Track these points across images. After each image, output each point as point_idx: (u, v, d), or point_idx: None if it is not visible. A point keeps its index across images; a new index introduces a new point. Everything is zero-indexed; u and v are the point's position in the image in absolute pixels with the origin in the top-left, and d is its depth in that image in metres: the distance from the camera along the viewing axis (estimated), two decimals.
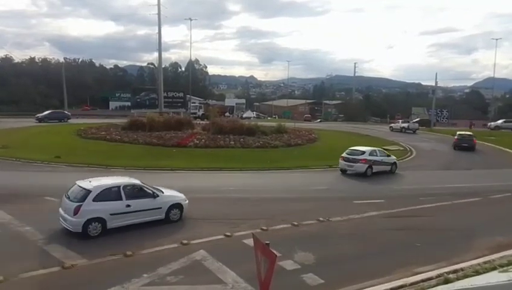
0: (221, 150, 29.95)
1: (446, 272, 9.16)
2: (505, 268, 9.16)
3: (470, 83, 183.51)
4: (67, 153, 25.22)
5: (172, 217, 12.99)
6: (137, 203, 12.15)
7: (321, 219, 13.81)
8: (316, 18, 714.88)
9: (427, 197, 17.71)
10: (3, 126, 38.92)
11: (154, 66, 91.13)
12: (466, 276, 8.79)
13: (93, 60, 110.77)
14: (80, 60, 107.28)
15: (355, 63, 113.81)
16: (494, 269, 9.24)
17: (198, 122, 45.41)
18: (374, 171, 22.70)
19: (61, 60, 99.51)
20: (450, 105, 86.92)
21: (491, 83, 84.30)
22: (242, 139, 33.24)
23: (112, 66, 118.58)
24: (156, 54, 63.58)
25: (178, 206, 13.18)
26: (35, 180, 19.03)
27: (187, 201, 13.56)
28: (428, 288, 8.15)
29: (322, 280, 9.06)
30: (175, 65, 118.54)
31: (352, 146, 24.67)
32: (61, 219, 11.63)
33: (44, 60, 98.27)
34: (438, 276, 8.97)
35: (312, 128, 47.91)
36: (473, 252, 11.17)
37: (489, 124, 60.58)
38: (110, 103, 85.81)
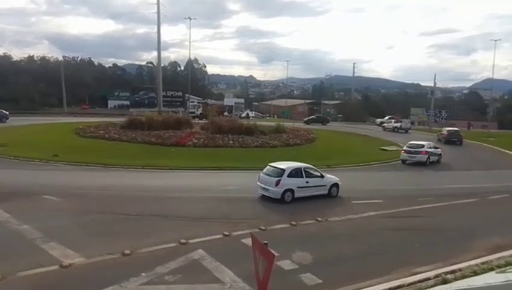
0: (220, 149, 29.95)
1: (444, 273, 9.17)
2: (502, 269, 9.17)
3: (468, 84, 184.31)
4: (65, 152, 25.18)
5: (332, 193, 17.25)
6: (312, 181, 16.70)
7: (319, 219, 13.83)
8: (316, 18, 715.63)
9: (426, 197, 17.74)
10: (2, 124, 38.86)
11: (153, 65, 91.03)
12: (464, 276, 8.80)
13: (92, 59, 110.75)
14: (78, 59, 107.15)
15: (354, 63, 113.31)
16: (491, 269, 9.25)
17: (196, 121, 45.39)
18: (430, 160, 26.93)
19: (60, 58, 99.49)
20: (449, 106, 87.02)
21: (489, 84, 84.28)
22: (241, 139, 33.26)
23: (110, 65, 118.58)
24: (155, 53, 63.43)
25: (336, 185, 17.41)
26: (33, 178, 19.01)
27: (341, 183, 17.49)
28: (426, 288, 8.17)
29: (320, 279, 9.07)
30: (174, 64, 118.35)
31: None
32: (261, 190, 16.42)
33: (43, 59, 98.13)
34: (436, 276, 8.98)
35: (310, 128, 47.92)
36: (471, 252, 11.19)
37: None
38: (109, 101, 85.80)
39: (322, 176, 17.07)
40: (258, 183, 16.61)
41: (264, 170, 16.85)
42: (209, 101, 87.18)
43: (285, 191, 15.84)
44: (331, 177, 17.62)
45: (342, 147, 34.15)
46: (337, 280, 9.07)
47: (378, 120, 62.60)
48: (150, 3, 53.50)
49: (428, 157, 27.45)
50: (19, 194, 15.33)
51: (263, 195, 16.35)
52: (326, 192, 17.06)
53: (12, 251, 10.15)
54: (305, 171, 16.64)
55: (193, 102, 71.91)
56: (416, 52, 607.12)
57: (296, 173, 16.34)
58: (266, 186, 16.17)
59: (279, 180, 15.83)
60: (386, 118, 57.64)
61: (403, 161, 27.94)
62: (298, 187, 16.13)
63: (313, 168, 17.27)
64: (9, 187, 16.30)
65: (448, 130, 40.96)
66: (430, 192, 19.57)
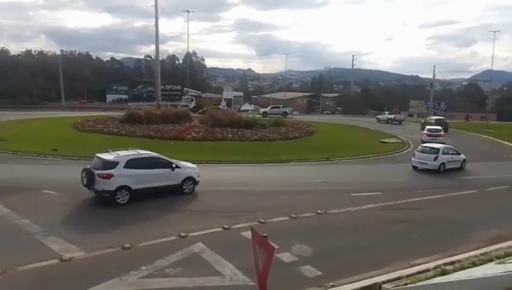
0: (219, 143, 29.93)
1: (443, 264, 9.20)
2: (501, 260, 9.22)
3: (468, 76, 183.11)
4: (64, 146, 25.12)
5: (463, 167, 23.59)
6: (454, 157, 23.21)
7: (319, 211, 13.86)
8: (315, 10, 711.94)
9: (425, 189, 17.78)
10: (0, 119, 38.76)
11: (152, 58, 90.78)
12: (463, 268, 8.83)
13: (90, 53, 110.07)
14: (76, 53, 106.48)
15: (353, 56, 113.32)
16: (490, 260, 9.29)
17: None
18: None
19: (58, 52, 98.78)
20: (448, 98, 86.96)
21: (489, 75, 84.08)
22: (240, 132, 33.24)
23: (108, 59, 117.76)
24: (153, 47, 63.14)
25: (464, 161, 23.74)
26: (32, 173, 19.00)
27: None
28: (425, 280, 8.19)
29: (319, 271, 9.11)
30: (172, 58, 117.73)
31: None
32: (419, 164, 22.62)
33: (41, 53, 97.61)
34: (435, 268, 9.00)
35: (310, 121, 47.90)
36: (470, 244, 11.23)
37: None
38: (107, 95, 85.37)
39: (458, 153, 23.72)
40: (413, 159, 23.08)
41: (419, 149, 23.41)
42: (208, 95, 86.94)
43: (441, 164, 22.03)
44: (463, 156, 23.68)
45: (341, 140, 34.13)
46: (336, 272, 9.11)
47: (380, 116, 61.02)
48: None
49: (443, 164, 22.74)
50: (18, 189, 15.32)
51: (418, 167, 22.62)
52: (459, 166, 23.28)
53: (12, 245, 10.17)
54: (450, 149, 23.41)
55: (186, 95, 70.88)
56: (415, 44, 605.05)
57: (447, 152, 22.90)
58: (425, 161, 22.39)
59: (437, 156, 22.13)
60: (387, 113, 57.57)
61: (424, 141, 28.50)
62: (448, 161, 22.52)
63: (452, 149, 23.75)
64: (8, 182, 16.28)
65: (435, 119, 45.18)
66: (429, 184, 19.60)
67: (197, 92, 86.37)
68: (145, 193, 14.45)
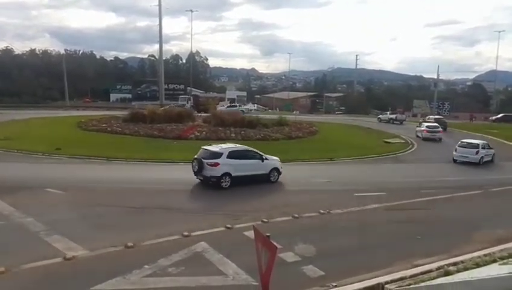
0: (222, 142, 29.88)
1: (446, 265, 9.16)
2: (505, 261, 9.17)
3: (472, 76, 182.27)
4: (68, 145, 25.23)
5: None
6: (488, 151, 25.74)
7: (322, 211, 13.84)
8: (319, 9, 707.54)
9: (428, 189, 17.71)
10: (5, 118, 38.97)
11: (155, 58, 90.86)
12: (466, 268, 8.79)
13: (94, 52, 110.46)
14: (80, 52, 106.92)
15: (356, 56, 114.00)
16: (494, 261, 9.24)
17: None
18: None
19: (62, 51, 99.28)
20: (452, 98, 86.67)
21: (493, 75, 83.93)
22: (243, 132, 33.25)
23: (112, 58, 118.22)
24: (156, 46, 63.54)
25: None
26: (36, 172, 19.07)
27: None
28: (429, 280, 8.16)
29: (322, 271, 9.09)
30: (176, 57, 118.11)
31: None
32: (461, 158, 25.24)
33: (45, 52, 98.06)
34: (438, 268, 8.97)
35: (312, 121, 47.86)
36: (474, 244, 11.19)
37: None
38: (111, 95, 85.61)
39: (490, 148, 26.30)
40: (454, 153, 25.61)
41: (459, 144, 25.82)
42: (210, 94, 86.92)
43: (481, 157, 24.66)
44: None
45: (344, 140, 34.10)
46: (339, 272, 9.09)
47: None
48: None
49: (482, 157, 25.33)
50: (22, 188, 15.38)
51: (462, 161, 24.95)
52: (491, 159, 26.01)
53: (16, 244, 10.22)
54: (485, 144, 25.97)
55: (188, 94, 69.37)
56: (419, 44, 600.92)
57: (484, 147, 25.51)
58: (466, 155, 24.95)
59: (478, 151, 24.80)
60: (388, 113, 57.86)
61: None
62: (485, 155, 25.18)
63: (486, 144, 26.32)
64: (13, 180, 16.35)
65: (434, 118, 47.36)
66: (433, 184, 19.53)
67: (201, 91, 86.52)
68: (241, 180, 16.84)
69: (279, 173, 18.27)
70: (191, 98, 65.42)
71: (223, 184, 16.43)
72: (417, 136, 37.80)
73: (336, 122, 52.57)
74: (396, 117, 54.65)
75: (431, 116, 50.47)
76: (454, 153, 26.16)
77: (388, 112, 58.27)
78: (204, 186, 16.85)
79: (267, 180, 17.75)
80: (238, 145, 18.68)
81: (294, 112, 61.76)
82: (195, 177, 17.11)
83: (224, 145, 17.93)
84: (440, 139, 36.58)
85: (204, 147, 17.74)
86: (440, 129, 37.84)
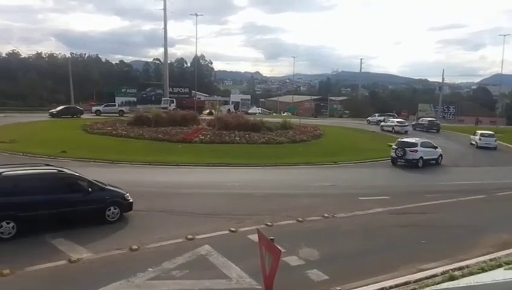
0: (227, 145, 30.00)
1: (451, 269, 9.12)
2: (510, 266, 9.11)
3: (477, 80, 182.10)
4: (73, 148, 25.36)
5: None
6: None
7: (326, 215, 13.80)
8: (323, 13, 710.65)
9: (433, 194, 17.64)
10: (11, 121, 39.23)
11: (160, 61, 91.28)
12: (471, 273, 8.74)
13: (99, 55, 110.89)
14: (86, 55, 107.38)
15: (361, 59, 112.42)
16: (499, 266, 9.18)
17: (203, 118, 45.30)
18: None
19: (68, 55, 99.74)
20: (457, 101, 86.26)
21: (498, 79, 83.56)
22: (247, 135, 33.27)
23: (117, 62, 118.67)
24: (161, 50, 63.56)
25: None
26: None
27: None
28: (433, 285, 8.13)
29: (326, 276, 9.06)
30: (181, 61, 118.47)
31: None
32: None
33: (51, 55, 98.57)
34: (443, 273, 8.94)
35: (317, 124, 47.84)
36: (479, 249, 11.12)
37: None
38: (116, 98, 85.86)
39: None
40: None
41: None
42: (215, 97, 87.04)
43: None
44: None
45: (348, 144, 34.05)
46: (343, 276, 9.06)
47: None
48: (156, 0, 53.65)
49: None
50: None
51: None
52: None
53: (20, 246, 10.25)
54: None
55: (166, 96, 64.68)
56: (424, 48, 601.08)
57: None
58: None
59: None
60: (377, 115, 61.25)
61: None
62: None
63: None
64: None
65: (428, 120, 51.18)
66: (437, 188, 19.46)
67: (205, 95, 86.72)
68: (426, 162, 25.16)
69: (442, 158, 26.26)
70: (174, 100, 62.07)
71: (419, 164, 24.39)
72: (393, 130, 45.29)
73: (340, 126, 52.49)
74: (384, 119, 54.83)
75: (424, 118, 53.90)
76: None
77: (377, 114, 61.76)
78: (209, 189, 16.87)
79: (436, 163, 25.81)
80: (423, 139, 27.69)
81: (283, 114, 61.73)
82: (396, 161, 25.27)
83: (416, 138, 27.04)
84: (406, 132, 44.07)
85: (403, 140, 26.43)
86: (407, 124, 47.13)
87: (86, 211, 11.77)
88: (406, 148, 24.90)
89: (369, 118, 61.24)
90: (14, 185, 10.93)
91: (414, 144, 25.43)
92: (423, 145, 25.72)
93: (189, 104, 58.38)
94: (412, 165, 24.66)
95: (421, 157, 24.86)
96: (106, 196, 12.31)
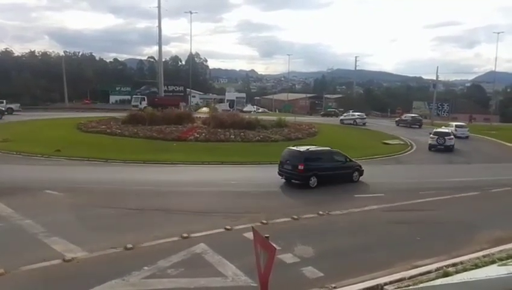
0: (222, 144, 29.97)
1: (445, 266, 9.17)
2: (504, 262, 9.17)
3: (471, 77, 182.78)
4: (67, 147, 25.25)
5: None
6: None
7: (321, 212, 13.83)
8: (318, 11, 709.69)
9: (427, 191, 17.72)
10: (4, 120, 38.96)
11: (154, 59, 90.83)
12: (465, 269, 8.79)
13: (93, 54, 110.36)
14: (80, 54, 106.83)
15: (356, 57, 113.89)
16: (493, 262, 9.24)
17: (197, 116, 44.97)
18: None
19: (61, 53, 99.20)
20: (451, 99, 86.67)
21: (492, 76, 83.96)
22: (242, 133, 33.28)
23: (111, 60, 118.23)
24: (156, 48, 63.18)
25: None
26: (35, 173, 19.09)
27: None
28: (428, 281, 8.16)
29: (321, 273, 9.09)
30: (175, 59, 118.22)
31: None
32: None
33: (45, 54, 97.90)
34: (437, 269, 8.98)
35: (312, 122, 47.93)
36: (473, 245, 11.18)
37: None
38: (110, 96, 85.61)
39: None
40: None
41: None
42: (210, 95, 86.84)
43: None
44: None
45: (344, 141, 34.02)
46: (338, 273, 9.09)
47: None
48: None
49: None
50: (21, 189, 15.38)
51: None
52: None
53: (15, 246, 10.21)
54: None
55: (137, 94, 63.45)
56: (419, 45, 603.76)
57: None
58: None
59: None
60: (350, 111, 62.83)
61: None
62: None
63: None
64: (11, 182, 16.37)
65: (411, 116, 54.91)
66: (431, 185, 19.53)
67: (200, 93, 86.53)
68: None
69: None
70: (145, 97, 59.52)
71: (452, 148, 30.52)
72: (354, 122, 51.56)
73: (335, 123, 52.64)
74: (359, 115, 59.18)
75: (407, 115, 57.57)
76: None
77: (351, 111, 63.81)
78: (204, 187, 16.87)
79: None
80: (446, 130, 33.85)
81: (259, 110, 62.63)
82: (434, 148, 30.86)
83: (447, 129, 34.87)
84: (364, 124, 50.74)
85: (437, 130, 33.02)
86: (365, 117, 55.06)
87: (344, 173, 18.90)
88: (445, 137, 31.15)
89: (345, 114, 61.02)
90: (315, 157, 18.43)
91: (449, 134, 32.41)
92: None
93: (162, 101, 55.54)
94: (449, 150, 30.63)
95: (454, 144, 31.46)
96: (353, 165, 19.63)
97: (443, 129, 34.74)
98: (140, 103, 56.58)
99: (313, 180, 17.44)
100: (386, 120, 63.93)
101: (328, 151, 19.59)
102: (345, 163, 19.11)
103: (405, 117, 54.80)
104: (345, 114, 60.24)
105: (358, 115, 55.16)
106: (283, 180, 18.45)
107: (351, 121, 52.45)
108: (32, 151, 23.92)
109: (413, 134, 41.22)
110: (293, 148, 18.93)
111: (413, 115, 57.46)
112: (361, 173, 19.40)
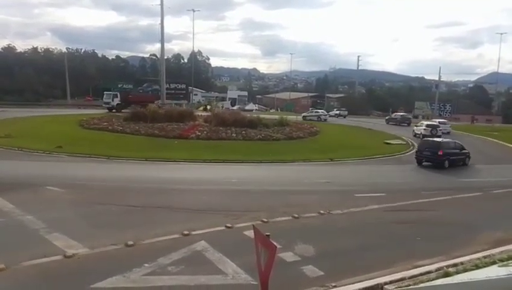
0: (223, 142, 29.98)
1: (446, 266, 9.15)
2: (504, 263, 9.16)
3: (474, 78, 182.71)
4: (69, 143, 25.29)
5: None
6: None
7: (322, 211, 13.82)
8: (321, 10, 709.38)
9: (429, 191, 17.71)
10: (7, 116, 39.04)
11: (157, 57, 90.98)
12: (466, 270, 8.78)
13: (95, 51, 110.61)
14: (82, 51, 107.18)
15: (358, 56, 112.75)
16: (493, 263, 9.22)
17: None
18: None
19: (64, 50, 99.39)
20: (453, 100, 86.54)
21: (495, 77, 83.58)
22: (244, 132, 33.25)
23: (114, 57, 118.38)
24: (158, 45, 63.12)
25: None
26: (37, 169, 19.10)
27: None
28: (428, 281, 8.16)
29: (321, 272, 9.08)
30: (178, 56, 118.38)
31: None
32: None
33: (47, 50, 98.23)
34: (438, 269, 8.96)
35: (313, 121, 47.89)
36: (473, 246, 11.17)
37: None
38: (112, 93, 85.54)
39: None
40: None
41: None
42: (212, 93, 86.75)
43: None
44: None
45: (345, 141, 34.10)
46: (339, 272, 9.08)
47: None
48: None
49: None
50: (22, 185, 15.39)
51: None
52: None
53: (16, 241, 10.22)
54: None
55: (109, 92, 59.16)
56: (421, 45, 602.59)
57: None
58: None
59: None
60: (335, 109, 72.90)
61: None
62: None
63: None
64: (13, 178, 16.38)
65: (400, 115, 58.86)
66: (433, 186, 19.53)
67: (202, 91, 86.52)
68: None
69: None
70: (118, 94, 55.91)
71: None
72: (319, 118, 56.22)
73: (336, 123, 52.63)
74: (339, 113, 69.75)
75: (397, 113, 62.32)
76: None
77: (335, 109, 73.96)
78: (205, 185, 16.87)
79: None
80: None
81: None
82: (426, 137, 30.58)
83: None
84: (325, 120, 56.20)
85: (429, 123, 37.10)
86: (326, 113, 62.27)
87: (460, 159, 25.22)
88: (437, 128, 38.05)
89: (330, 112, 67.71)
90: (447, 145, 24.90)
91: (439, 126, 39.82)
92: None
93: (135, 98, 52.39)
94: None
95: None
96: (466, 152, 25.73)
97: (433, 122, 42.63)
98: (113, 100, 54.06)
99: (446, 163, 23.58)
100: (381, 119, 63.80)
101: (453, 142, 25.98)
102: (461, 151, 25.30)
103: (395, 116, 59.40)
104: (308, 111, 65.18)
105: (321, 112, 62.70)
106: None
107: (315, 118, 56.83)
108: (33, 148, 23.96)
109: (405, 132, 41.11)
110: (430, 139, 26.92)
111: (402, 113, 61.95)
112: (470, 158, 25.84)
